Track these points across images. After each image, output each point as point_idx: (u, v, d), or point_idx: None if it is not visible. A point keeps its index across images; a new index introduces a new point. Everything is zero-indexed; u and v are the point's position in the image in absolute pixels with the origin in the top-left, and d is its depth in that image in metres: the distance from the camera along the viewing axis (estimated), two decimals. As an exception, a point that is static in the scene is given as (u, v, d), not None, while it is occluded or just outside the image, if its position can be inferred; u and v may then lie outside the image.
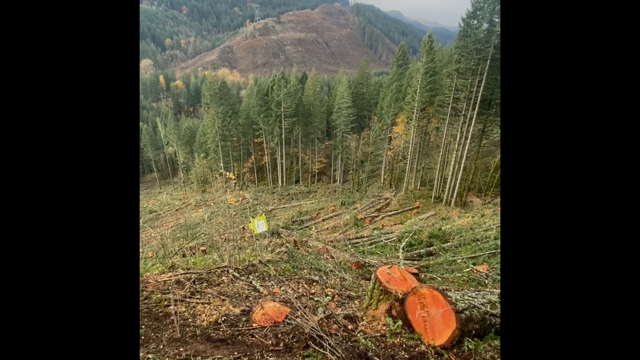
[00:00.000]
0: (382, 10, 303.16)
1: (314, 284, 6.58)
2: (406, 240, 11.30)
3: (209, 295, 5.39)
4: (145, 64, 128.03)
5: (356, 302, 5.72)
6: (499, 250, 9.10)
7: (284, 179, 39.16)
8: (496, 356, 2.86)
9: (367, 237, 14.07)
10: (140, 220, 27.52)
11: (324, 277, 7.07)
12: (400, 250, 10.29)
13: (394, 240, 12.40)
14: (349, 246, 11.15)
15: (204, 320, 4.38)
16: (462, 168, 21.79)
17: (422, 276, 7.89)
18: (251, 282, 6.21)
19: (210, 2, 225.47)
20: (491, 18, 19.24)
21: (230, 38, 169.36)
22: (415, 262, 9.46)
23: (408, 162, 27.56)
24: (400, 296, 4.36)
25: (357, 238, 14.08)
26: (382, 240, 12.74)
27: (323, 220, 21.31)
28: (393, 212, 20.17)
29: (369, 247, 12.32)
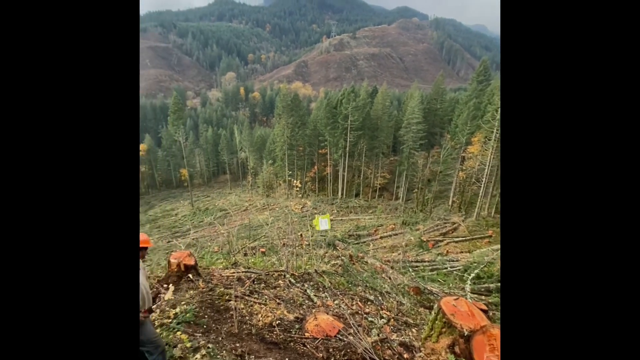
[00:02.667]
0: (464, 24, 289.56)
1: (369, 303, 6.33)
2: (475, 271, 10.22)
3: (266, 296, 5.55)
4: (229, 76, 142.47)
5: (414, 330, 5.32)
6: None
7: (344, 191, 39.19)
8: None
9: (428, 261, 13.14)
10: (211, 217, 29.85)
11: (380, 298, 6.75)
12: (468, 282, 9.32)
13: (459, 269, 11.34)
14: (409, 269, 10.52)
15: (259, 321, 4.51)
16: (547, 198, 19.03)
17: (491, 314, 6.99)
18: (305, 291, 6.24)
19: (291, 20, 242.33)
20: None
21: (306, 53, 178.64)
22: (484, 297, 8.46)
23: (482, 185, 25.18)
24: (466, 333, 3.92)
25: (417, 261, 13.24)
26: (446, 268, 11.75)
27: (381, 237, 20.61)
28: (460, 239, 18.53)
29: (429, 272, 11.47)
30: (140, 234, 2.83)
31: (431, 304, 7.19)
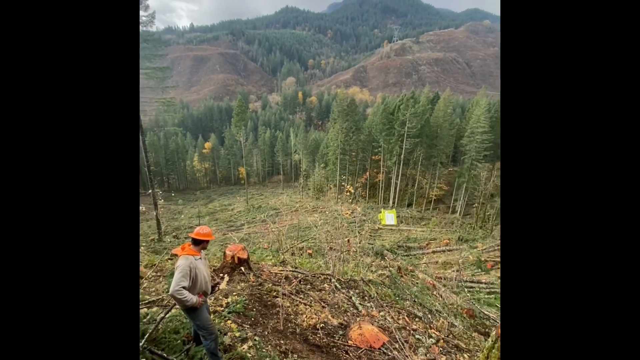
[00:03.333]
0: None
1: (417, 319, 6.01)
2: (541, 301, 9.10)
3: (311, 298, 5.61)
4: (289, 81, 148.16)
5: (465, 355, 4.91)
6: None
7: (396, 199, 37.99)
8: None
9: (485, 283, 12.06)
10: (263, 215, 31.06)
11: (429, 316, 6.37)
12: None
13: (522, 296, 10.20)
14: (464, 289, 9.76)
15: (304, 321, 4.57)
16: None
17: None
18: (351, 298, 6.16)
19: (352, 26, 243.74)
20: None
21: (366, 59, 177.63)
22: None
23: (555, 205, 22.38)
24: (529, 370, 3.50)
25: (472, 282, 12.24)
26: (505, 293, 10.65)
27: (433, 252, 19.48)
28: (524, 262, 16.68)
29: (486, 296, 10.52)
30: (205, 227, 3.07)
31: (487, 329, 6.57)
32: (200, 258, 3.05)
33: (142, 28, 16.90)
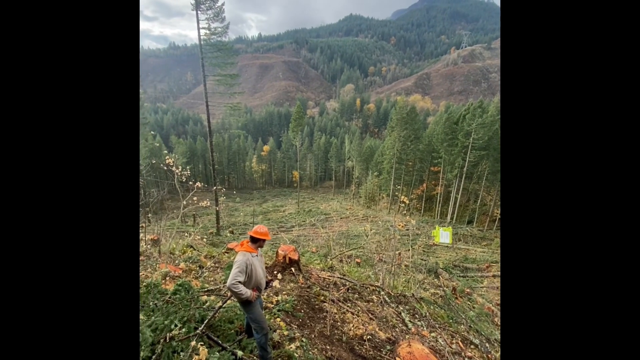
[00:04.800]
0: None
1: (472, 346, 5.52)
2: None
3: (359, 308, 5.51)
4: (348, 88, 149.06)
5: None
6: None
7: (455, 215, 35.57)
8: None
9: (557, 318, 10.59)
10: (313, 219, 31.48)
11: (486, 345, 5.81)
12: None
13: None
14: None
15: (350, 330, 4.50)
16: None
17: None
18: (400, 313, 5.91)
19: (418, 32, 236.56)
20: None
21: (430, 65, 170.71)
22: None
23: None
24: None
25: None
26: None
27: (494, 276, 17.74)
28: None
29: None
30: (262, 226, 3.24)
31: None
32: (257, 255, 3.20)
33: (216, 38, 18.47)
